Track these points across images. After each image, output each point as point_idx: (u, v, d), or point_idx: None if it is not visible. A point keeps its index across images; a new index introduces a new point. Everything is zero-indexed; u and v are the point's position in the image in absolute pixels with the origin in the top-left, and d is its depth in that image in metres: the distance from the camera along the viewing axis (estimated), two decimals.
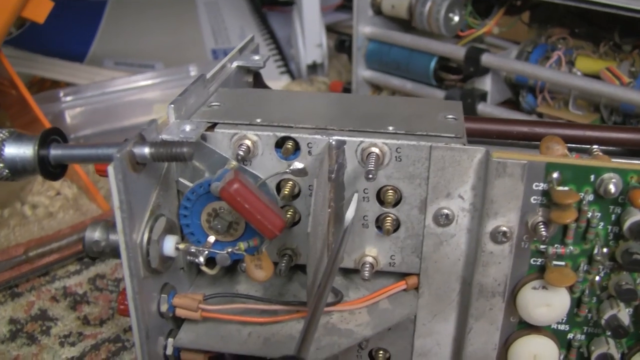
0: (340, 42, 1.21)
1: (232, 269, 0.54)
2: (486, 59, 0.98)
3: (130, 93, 1.09)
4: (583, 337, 0.52)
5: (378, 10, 1.10)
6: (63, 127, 1.05)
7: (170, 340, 0.50)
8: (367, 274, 0.51)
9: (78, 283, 0.76)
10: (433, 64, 1.05)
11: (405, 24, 1.10)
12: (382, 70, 1.13)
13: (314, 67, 1.28)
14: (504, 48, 1.11)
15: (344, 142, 0.48)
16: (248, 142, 0.48)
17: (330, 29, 1.44)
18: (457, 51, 1.00)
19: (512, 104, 1.06)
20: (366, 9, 1.10)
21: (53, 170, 0.47)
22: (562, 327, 0.52)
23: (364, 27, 1.10)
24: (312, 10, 1.24)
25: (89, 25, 1.40)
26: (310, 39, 1.25)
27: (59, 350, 0.66)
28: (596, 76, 0.92)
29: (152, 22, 1.45)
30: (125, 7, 1.50)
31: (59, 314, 0.71)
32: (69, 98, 1.07)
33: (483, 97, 1.01)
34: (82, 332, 0.69)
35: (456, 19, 1.03)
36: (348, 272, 0.54)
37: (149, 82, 1.10)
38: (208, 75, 0.55)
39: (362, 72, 1.14)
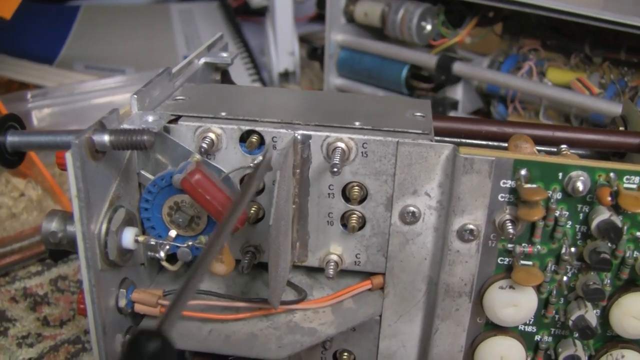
0: (313, 49, 1.20)
1: None
2: (458, 67, 0.98)
3: (99, 95, 1.07)
4: (550, 338, 0.51)
5: (351, 18, 1.10)
6: (30, 128, 1.03)
7: (128, 337, 0.49)
8: (331, 273, 0.50)
9: (39, 284, 0.74)
10: (405, 72, 1.04)
11: (378, 32, 1.10)
12: (353, 79, 1.12)
13: (286, 75, 1.27)
14: None
15: (309, 137, 0.47)
16: (212, 136, 0.48)
17: (304, 40, 1.43)
18: (429, 59, 1.00)
19: (483, 113, 1.06)
20: (339, 17, 1.09)
21: (10, 157, 0.46)
22: (529, 328, 0.51)
23: (336, 35, 1.10)
24: (285, 18, 1.23)
25: (61, 28, 1.39)
26: (282, 46, 1.25)
27: (16, 351, 0.65)
28: (567, 87, 0.92)
29: (125, 27, 1.45)
30: (98, 12, 1.49)
31: (18, 315, 0.70)
32: (36, 99, 1.06)
33: (454, 106, 1.01)
34: (41, 333, 0.67)
35: (428, 27, 1.03)
36: (312, 271, 0.54)
37: (119, 84, 1.09)
38: (174, 70, 0.55)
39: (334, 80, 1.14)
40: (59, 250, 0.48)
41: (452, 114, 1.00)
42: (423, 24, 1.02)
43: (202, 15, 1.49)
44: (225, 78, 0.63)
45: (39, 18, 1.40)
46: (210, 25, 1.45)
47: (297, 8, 1.29)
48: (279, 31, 1.24)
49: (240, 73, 1.29)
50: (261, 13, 1.37)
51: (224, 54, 0.61)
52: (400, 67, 1.05)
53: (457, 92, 1.01)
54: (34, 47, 1.30)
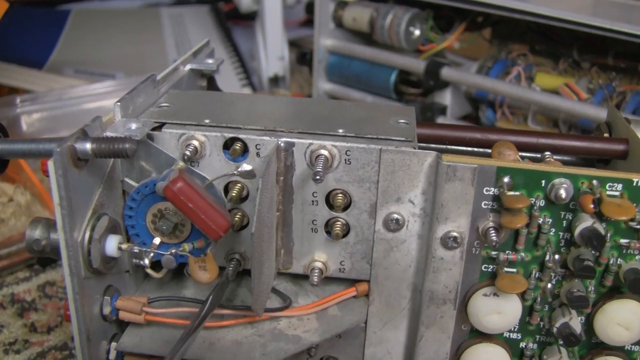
0: (302, 54, 1.20)
1: (180, 273, 0.53)
2: (446, 72, 0.98)
3: (89, 100, 1.07)
4: (535, 345, 0.51)
5: (339, 23, 1.10)
6: (19, 133, 1.03)
7: (113, 344, 0.49)
8: (316, 280, 0.50)
9: (27, 290, 0.74)
10: (393, 77, 1.04)
11: (367, 37, 1.10)
12: (342, 83, 1.12)
13: (275, 80, 1.27)
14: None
15: (292, 144, 0.47)
16: (195, 143, 0.48)
17: (294, 44, 1.43)
18: (417, 64, 1.00)
19: (471, 118, 1.06)
20: (327, 22, 1.09)
21: None
22: (514, 335, 0.51)
23: (325, 40, 1.10)
24: (274, 23, 1.23)
25: (51, 32, 1.38)
26: (272, 51, 1.25)
27: (3, 358, 0.64)
28: (555, 92, 0.93)
29: (115, 32, 1.44)
30: (89, 17, 1.49)
31: (5, 321, 0.69)
32: (25, 104, 1.05)
33: (443, 111, 1.01)
34: (28, 340, 0.67)
35: (417, 32, 1.03)
36: (297, 278, 0.54)
37: (109, 89, 1.09)
38: (159, 77, 0.54)
39: (323, 85, 1.14)
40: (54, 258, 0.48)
41: (440, 119, 1.01)
42: (411, 29, 1.02)
43: (192, 20, 1.49)
44: (212, 84, 0.63)
45: (29, 22, 1.40)
46: (201, 29, 1.45)
47: (287, 13, 1.29)
48: (269, 36, 1.24)
49: (230, 78, 1.28)
50: (252, 17, 1.37)
51: (210, 61, 0.61)
52: (388, 72, 1.05)
53: (446, 97, 1.01)
54: (24, 51, 1.30)
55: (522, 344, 0.51)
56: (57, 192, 0.41)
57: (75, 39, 1.39)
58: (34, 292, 0.74)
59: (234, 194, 0.48)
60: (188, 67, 0.60)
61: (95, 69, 1.29)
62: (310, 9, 1.12)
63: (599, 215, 0.46)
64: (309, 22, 1.42)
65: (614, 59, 0.91)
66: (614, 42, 0.87)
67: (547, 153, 0.50)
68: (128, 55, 1.36)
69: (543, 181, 0.45)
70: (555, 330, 0.49)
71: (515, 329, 0.51)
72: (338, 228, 0.49)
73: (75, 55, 1.33)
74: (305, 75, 1.37)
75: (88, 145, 0.42)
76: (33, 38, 1.36)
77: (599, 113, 0.83)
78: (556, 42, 0.98)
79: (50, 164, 0.40)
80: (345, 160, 0.47)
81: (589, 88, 0.93)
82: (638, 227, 0.46)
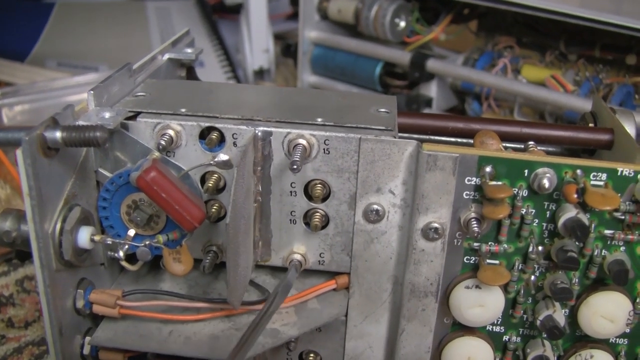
0: (286, 46, 1.19)
1: (156, 266, 0.52)
2: (432, 64, 0.97)
3: (71, 93, 1.06)
4: (519, 339, 0.51)
5: (324, 15, 1.09)
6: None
7: (87, 338, 0.48)
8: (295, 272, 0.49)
9: (4, 285, 0.73)
10: (378, 69, 1.03)
11: (352, 29, 1.09)
12: (327, 76, 1.12)
13: (260, 73, 1.27)
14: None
15: (270, 133, 0.46)
16: (171, 132, 0.46)
17: (280, 37, 1.42)
18: (402, 56, 0.99)
19: (457, 111, 1.06)
20: (312, 14, 1.09)
21: None
22: (497, 328, 0.50)
23: (310, 32, 1.09)
24: (259, 15, 1.22)
25: (34, 24, 1.37)
26: (257, 44, 1.24)
27: None
28: (542, 84, 0.92)
29: (100, 24, 1.43)
30: (73, 9, 1.47)
31: None
32: (6, 97, 1.04)
33: (428, 103, 1.01)
34: (4, 335, 0.66)
35: (402, 24, 1.02)
36: (276, 271, 0.53)
37: (91, 82, 1.08)
38: (135, 66, 0.53)
39: (308, 78, 1.13)
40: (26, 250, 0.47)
41: (426, 111, 1.00)
42: (397, 20, 1.01)
43: (178, 13, 1.47)
44: (191, 75, 0.62)
45: (12, 14, 1.39)
46: (187, 22, 1.44)
47: (273, 6, 1.28)
48: (254, 28, 1.23)
49: (216, 71, 1.28)
50: (237, 11, 1.36)
51: (189, 50, 0.60)
52: (374, 64, 1.04)
53: (431, 90, 1.01)
54: (6, 43, 1.29)
55: (505, 337, 0.51)
56: (26, 182, 0.40)
57: (59, 31, 1.38)
58: (11, 287, 0.73)
59: (210, 185, 0.47)
60: (166, 56, 0.59)
61: (78, 61, 1.28)
62: (295, 0, 1.11)
63: (583, 206, 0.45)
64: (294, 16, 1.41)
65: (601, 51, 0.90)
66: (601, 34, 0.86)
67: (530, 143, 0.49)
68: (112, 49, 1.35)
69: (526, 171, 0.45)
70: (538, 323, 0.48)
71: (498, 322, 0.50)
72: (317, 219, 0.48)
73: (58, 47, 1.32)
74: (290, 68, 1.36)
75: (58, 134, 0.41)
76: (16, 30, 1.35)
77: (586, 105, 0.83)
78: (543, 34, 0.97)
79: (19, 153, 0.39)
80: (324, 149, 0.46)
81: (575, 80, 0.92)
82: (622, 217, 0.45)
